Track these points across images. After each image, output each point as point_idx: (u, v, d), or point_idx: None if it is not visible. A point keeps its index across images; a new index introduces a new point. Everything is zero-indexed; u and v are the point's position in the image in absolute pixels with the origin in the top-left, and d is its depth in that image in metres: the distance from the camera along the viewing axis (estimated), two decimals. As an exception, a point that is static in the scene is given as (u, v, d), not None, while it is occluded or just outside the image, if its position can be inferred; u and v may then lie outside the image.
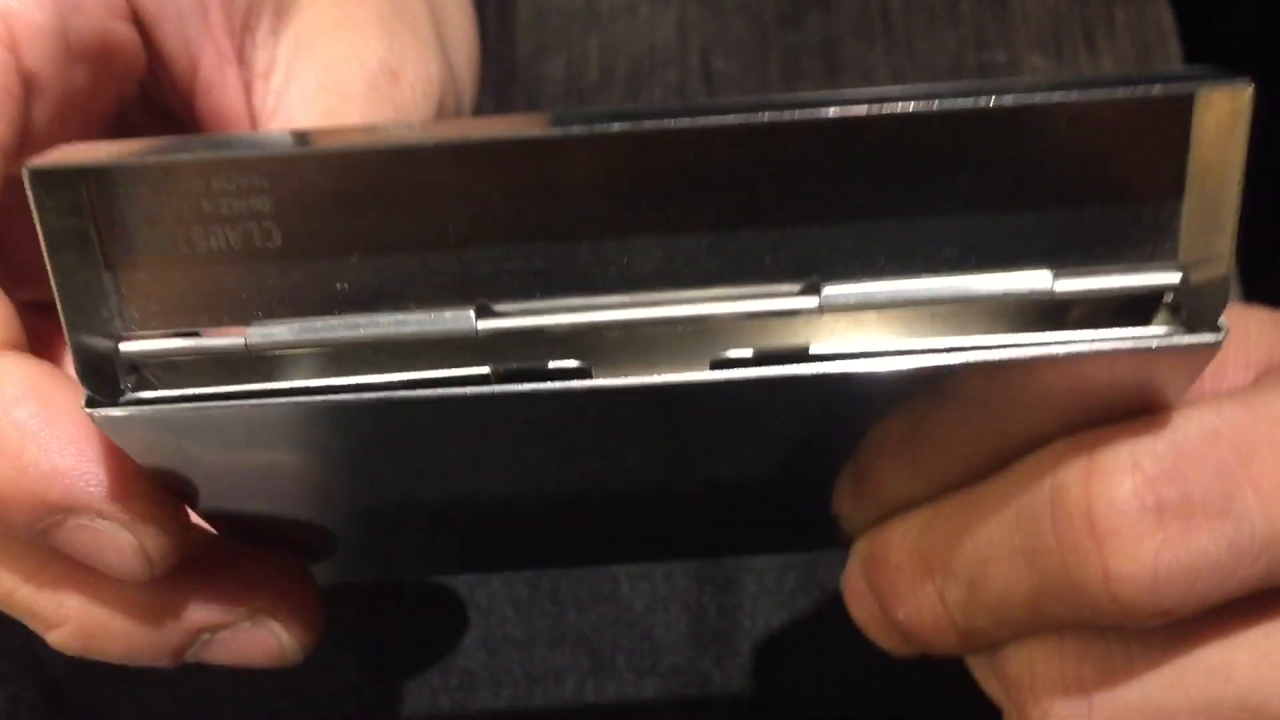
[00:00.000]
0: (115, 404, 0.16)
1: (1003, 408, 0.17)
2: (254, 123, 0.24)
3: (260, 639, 0.21)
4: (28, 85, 0.20)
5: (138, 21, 0.22)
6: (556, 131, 0.14)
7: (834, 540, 0.23)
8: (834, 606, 0.29)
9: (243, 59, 0.23)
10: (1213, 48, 0.36)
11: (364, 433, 0.17)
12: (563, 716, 0.29)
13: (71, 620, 0.20)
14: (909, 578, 0.20)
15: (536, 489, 0.20)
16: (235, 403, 0.16)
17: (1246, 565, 0.16)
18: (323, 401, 0.16)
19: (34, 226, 0.15)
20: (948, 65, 0.35)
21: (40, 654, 0.29)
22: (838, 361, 0.15)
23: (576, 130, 0.14)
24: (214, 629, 0.21)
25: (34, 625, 0.21)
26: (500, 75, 0.35)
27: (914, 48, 0.35)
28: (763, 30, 0.36)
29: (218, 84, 0.23)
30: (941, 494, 0.20)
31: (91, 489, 0.18)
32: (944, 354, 0.15)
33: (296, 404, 0.16)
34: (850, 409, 0.17)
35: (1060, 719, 0.18)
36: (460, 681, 0.29)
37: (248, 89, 0.24)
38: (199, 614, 0.21)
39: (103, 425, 0.17)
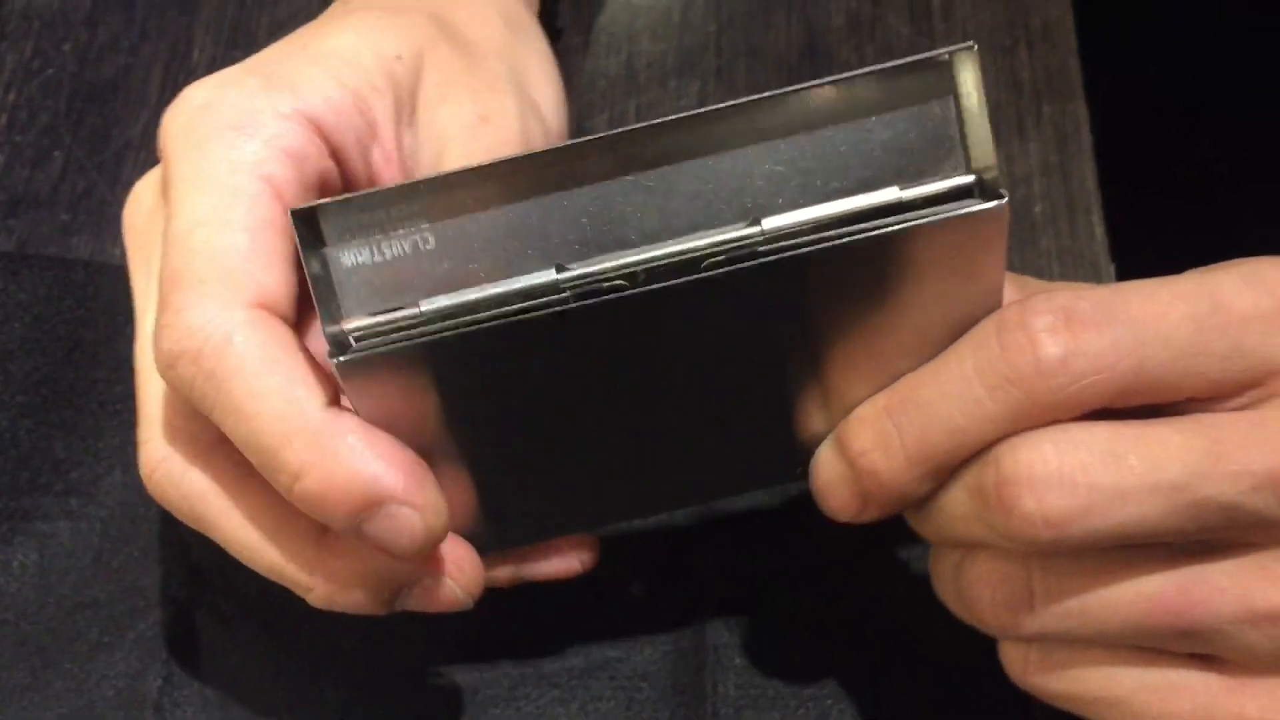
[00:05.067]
0: (345, 354, 0.24)
1: (915, 299, 0.25)
2: None
3: (445, 592, 0.29)
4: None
5: (333, 152, 0.29)
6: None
7: (801, 467, 0.29)
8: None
9: (400, 149, 0.31)
10: (1119, 138, 0.46)
11: (495, 356, 0.24)
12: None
13: (319, 588, 0.28)
14: (870, 421, 0.26)
15: (610, 419, 0.27)
16: (409, 339, 0.24)
17: (1125, 357, 0.23)
18: (471, 328, 0.24)
19: None
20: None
21: (188, 541, 0.36)
22: (787, 240, 0.23)
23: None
24: (412, 586, 0.29)
25: (294, 589, 0.28)
26: (555, 126, 0.44)
27: (884, 125, 0.45)
28: (766, 103, 0.45)
29: (387, 175, 0.31)
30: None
31: (399, 485, 0.25)
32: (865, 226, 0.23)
33: (451, 334, 0.24)
34: (800, 307, 0.25)
35: (1053, 501, 0.24)
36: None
37: (404, 169, 0.31)
38: (403, 576, 0.28)
39: (341, 370, 0.24)
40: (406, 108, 0.31)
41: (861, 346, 0.26)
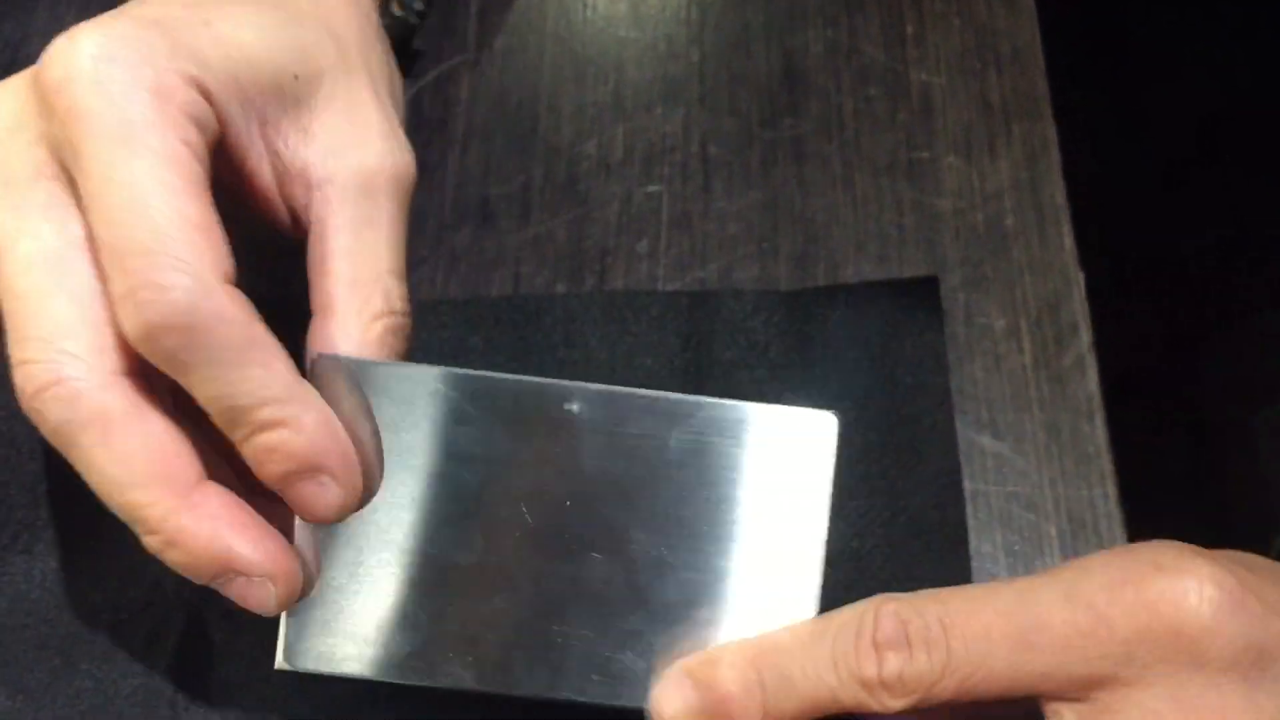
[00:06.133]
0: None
1: (738, 502, 0.30)
2: (304, 214, 0.32)
3: (259, 594, 0.30)
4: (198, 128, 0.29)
5: (221, 123, 0.30)
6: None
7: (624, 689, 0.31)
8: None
9: (275, 156, 0.32)
10: (1082, 152, 0.48)
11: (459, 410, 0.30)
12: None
13: (158, 539, 0.29)
14: (739, 671, 0.30)
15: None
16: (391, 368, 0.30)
17: (947, 677, 0.27)
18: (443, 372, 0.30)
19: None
20: (886, 160, 0.47)
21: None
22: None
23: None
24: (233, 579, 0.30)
25: (134, 527, 0.29)
26: (549, 154, 0.46)
27: (861, 146, 0.47)
28: (748, 127, 0.47)
29: (260, 173, 0.32)
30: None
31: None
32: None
33: (425, 372, 0.29)
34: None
35: None
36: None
37: (280, 179, 0.32)
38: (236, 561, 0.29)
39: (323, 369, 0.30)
40: (295, 121, 0.32)
41: (685, 534, 0.31)
